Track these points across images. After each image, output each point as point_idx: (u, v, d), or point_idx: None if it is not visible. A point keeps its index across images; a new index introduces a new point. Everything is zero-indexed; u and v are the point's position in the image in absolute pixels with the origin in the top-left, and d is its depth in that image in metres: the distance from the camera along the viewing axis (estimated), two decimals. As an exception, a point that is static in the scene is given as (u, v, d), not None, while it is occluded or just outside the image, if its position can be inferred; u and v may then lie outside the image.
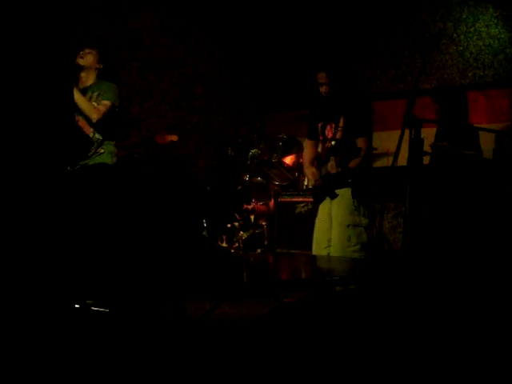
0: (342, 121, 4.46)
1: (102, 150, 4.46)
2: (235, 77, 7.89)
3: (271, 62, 7.97)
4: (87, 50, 4.55)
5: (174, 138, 5.72)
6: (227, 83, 7.83)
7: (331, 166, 4.39)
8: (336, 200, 4.43)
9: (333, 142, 4.48)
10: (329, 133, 4.57)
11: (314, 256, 4.58)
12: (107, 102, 4.45)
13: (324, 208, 4.55)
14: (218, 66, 7.72)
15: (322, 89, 4.52)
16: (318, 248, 4.52)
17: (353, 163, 4.31)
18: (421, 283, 2.92)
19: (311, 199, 6.27)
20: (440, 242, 4.55)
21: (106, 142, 4.49)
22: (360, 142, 4.32)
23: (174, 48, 7.23)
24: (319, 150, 4.72)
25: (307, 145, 4.86)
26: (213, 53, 7.66)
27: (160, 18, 7.04)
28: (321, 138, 4.65)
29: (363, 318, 2.46)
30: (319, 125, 4.66)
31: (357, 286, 3.13)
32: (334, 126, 4.52)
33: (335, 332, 2.32)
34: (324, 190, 4.53)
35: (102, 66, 4.58)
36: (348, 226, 4.31)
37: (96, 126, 4.42)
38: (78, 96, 4.31)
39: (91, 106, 4.38)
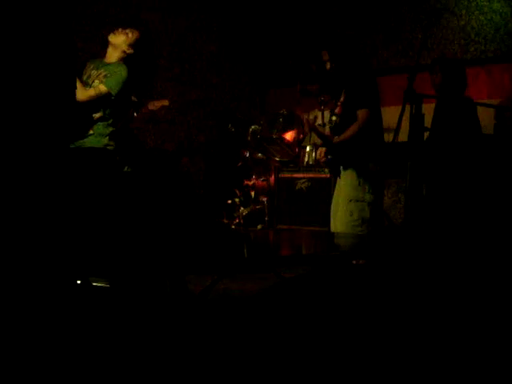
0: (342, 96, 4.46)
1: (92, 132, 4.30)
2: (235, 52, 7.85)
3: (272, 37, 7.93)
4: (121, 29, 4.36)
5: (165, 102, 5.62)
6: (227, 58, 7.79)
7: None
8: (343, 174, 4.43)
9: (333, 118, 4.46)
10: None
11: (315, 232, 4.58)
12: (103, 88, 4.21)
13: (338, 182, 4.55)
14: (218, 41, 7.68)
15: (326, 66, 4.51)
16: (334, 221, 4.50)
17: (342, 136, 4.30)
18: (422, 259, 2.93)
19: (312, 175, 6.29)
20: (441, 218, 4.57)
21: (96, 123, 4.32)
22: (358, 114, 4.29)
23: (174, 23, 7.19)
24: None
25: None
26: (212, 28, 7.61)
27: (159, -7, 7.00)
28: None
29: (363, 293, 2.47)
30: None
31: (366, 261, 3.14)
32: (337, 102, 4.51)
33: (334, 307, 2.34)
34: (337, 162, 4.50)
35: (130, 51, 4.32)
36: (350, 200, 4.31)
37: (85, 104, 4.24)
38: None
39: (80, 87, 4.21)
